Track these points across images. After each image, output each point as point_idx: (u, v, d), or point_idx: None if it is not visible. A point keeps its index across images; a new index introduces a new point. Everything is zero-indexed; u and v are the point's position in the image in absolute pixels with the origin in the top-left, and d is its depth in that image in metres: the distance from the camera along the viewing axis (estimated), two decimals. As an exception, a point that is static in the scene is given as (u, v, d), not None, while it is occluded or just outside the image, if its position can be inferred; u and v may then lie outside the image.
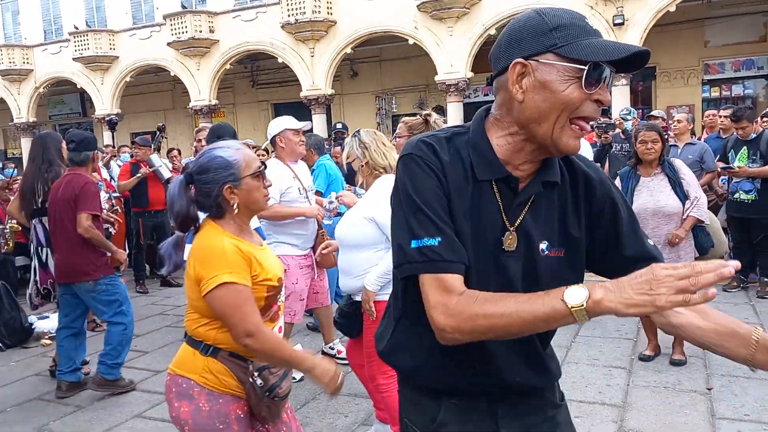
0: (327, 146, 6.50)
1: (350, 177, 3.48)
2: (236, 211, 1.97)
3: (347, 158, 3.35)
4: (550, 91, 1.18)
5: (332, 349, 4.79)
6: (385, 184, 3.07)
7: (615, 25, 15.07)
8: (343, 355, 4.30)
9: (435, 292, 1.19)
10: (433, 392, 1.40)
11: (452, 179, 1.26)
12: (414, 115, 3.96)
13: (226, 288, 1.85)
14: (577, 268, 1.35)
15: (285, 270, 4.05)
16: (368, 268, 3.03)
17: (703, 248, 4.31)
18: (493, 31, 16.49)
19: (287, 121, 4.33)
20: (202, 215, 2.03)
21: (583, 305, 1.04)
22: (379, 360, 3.21)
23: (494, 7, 16.31)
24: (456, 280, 1.20)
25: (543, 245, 1.30)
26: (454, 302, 1.17)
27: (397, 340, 1.43)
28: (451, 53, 16.96)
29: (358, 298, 3.16)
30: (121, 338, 4.31)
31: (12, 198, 7.25)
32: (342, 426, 3.65)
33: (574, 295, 1.05)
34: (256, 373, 1.95)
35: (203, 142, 5.24)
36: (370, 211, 3.02)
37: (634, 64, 1.18)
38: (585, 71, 1.15)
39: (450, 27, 16.88)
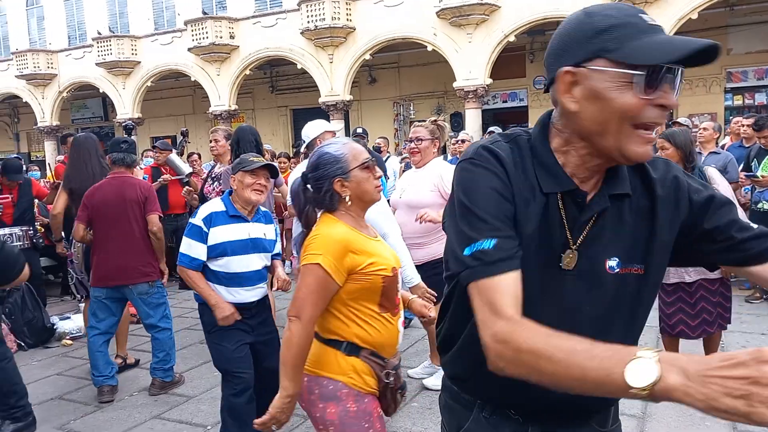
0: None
1: None
2: (349, 203, 2.05)
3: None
4: (604, 100, 1.07)
5: None
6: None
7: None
8: None
9: (483, 309, 1.06)
10: (468, 401, 1.36)
11: (517, 188, 1.15)
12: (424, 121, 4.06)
13: (315, 268, 1.92)
14: (657, 285, 1.25)
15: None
16: None
17: None
18: (512, 38, 16.46)
19: (324, 124, 4.44)
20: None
21: (647, 390, 0.81)
22: None
23: (514, 13, 16.27)
24: (509, 297, 1.05)
25: (612, 262, 1.18)
26: (501, 326, 1.02)
27: (451, 342, 1.36)
28: (470, 60, 16.95)
29: None
30: (170, 343, 4.47)
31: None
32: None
33: (641, 373, 0.82)
34: (392, 371, 2.03)
35: (220, 143, 5.27)
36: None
37: (702, 59, 1.03)
38: (641, 76, 1.04)
39: (469, 34, 16.87)
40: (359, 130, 9.37)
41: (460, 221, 1.13)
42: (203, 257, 3.13)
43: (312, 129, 4.40)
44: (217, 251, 3.13)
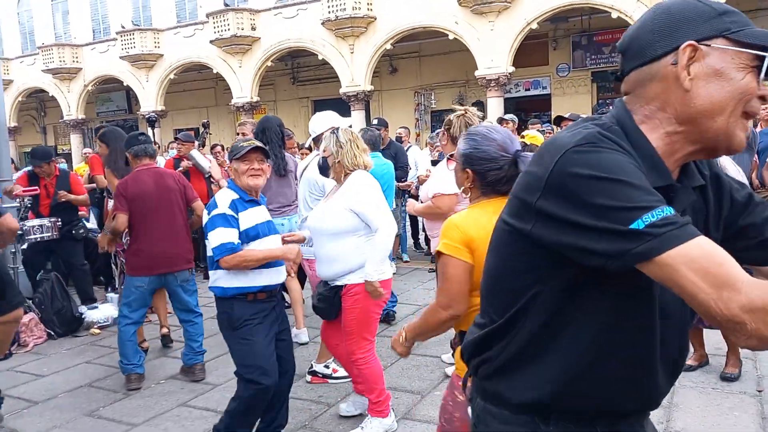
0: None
1: (324, 170, 3.55)
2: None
3: (323, 152, 3.48)
4: (726, 79, 1.05)
5: (327, 368, 4.38)
6: (359, 177, 3.38)
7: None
8: (339, 374, 4.23)
9: (704, 281, 0.92)
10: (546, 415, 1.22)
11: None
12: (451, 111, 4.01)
13: (443, 258, 2.01)
14: None
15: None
16: (360, 253, 3.32)
17: None
18: (534, 26, 16.27)
19: (332, 118, 4.39)
20: None
21: None
22: (358, 336, 3.29)
23: (536, 0, 16.07)
24: (728, 258, 0.94)
25: None
26: (747, 291, 0.90)
27: (515, 364, 1.20)
28: (492, 48, 16.79)
29: (337, 283, 3.39)
30: (202, 329, 4.62)
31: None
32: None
33: None
34: None
35: (248, 136, 5.31)
36: (349, 203, 3.29)
37: None
38: (765, 59, 1.03)
39: (491, 21, 16.71)
40: (374, 122, 9.28)
41: (605, 197, 0.98)
42: (237, 242, 3.03)
43: (320, 123, 4.35)
44: (252, 235, 3.10)
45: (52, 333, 5.67)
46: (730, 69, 1.05)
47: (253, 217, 3.12)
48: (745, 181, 3.98)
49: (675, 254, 0.93)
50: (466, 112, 3.96)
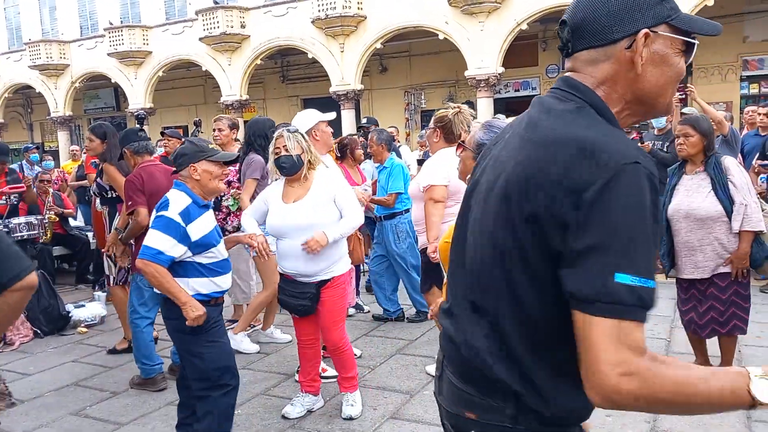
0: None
1: (291, 169, 3.51)
2: None
3: (293, 150, 3.43)
4: (668, 64, 1.16)
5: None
6: (325, 173, 3.56)
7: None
8: (328, 373, 4.24)
9: (617, 346, 0.99)
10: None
11: None
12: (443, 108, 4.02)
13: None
14: None
15: None
16: (341, 243, 3.57)
17: (756, 261, 3.70)
18: (524, 26, 16.32)
19: (318, 114, 4.37)
20: None
21: None
22: (342, 323, 3.47)
23: (526, 1, 16.13)
24: (643, 333, 1.02)
25: None
26: (641, 363, 0.99)
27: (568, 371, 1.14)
28: (482, 48, 16.84)
29: (324, 277, 3.50)
30: None
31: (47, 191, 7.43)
32: (371, 418, 3.67)
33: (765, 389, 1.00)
34: None
35: (224, 132, 5.28)
36: (332, 194, 3.45)
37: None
38: (694, 45, 1.17)
39: (481, 22, 16.76)
40: (364, 120, 9.27)
41: (637, 243, 1.01)
42: (174, 254, 2.90)
43: (305, 120, 4.31)
44: (205, 244, 2.98)
45: (39, 331, 5.62)
46: (671, 54, 1.16)
47: (204, 224, 3.00)
48: (749, 184, 3.81)
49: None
50: (460, 110, 4.03)
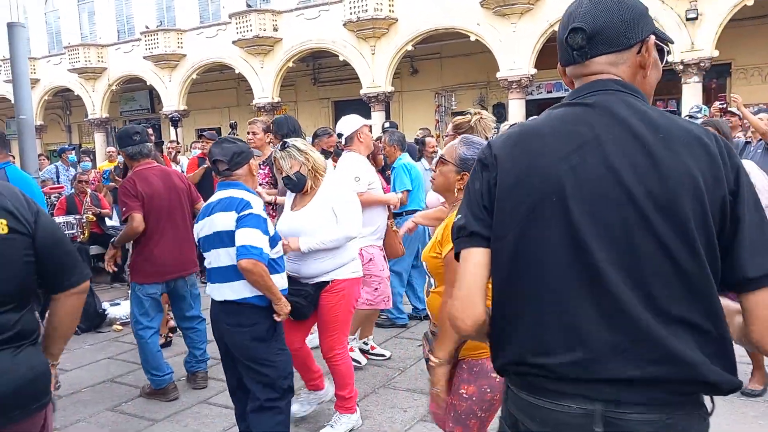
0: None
1: (296, 186, 3.43)
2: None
3: (290, 169, 3.32)
4: (658, 68, 1.35)
5: (366, 344, 4.84)
6: (332, 181, 3.44)
7: (688, 20, 14.49)
8: (377, 351, 4.59)
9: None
10: None
11: None
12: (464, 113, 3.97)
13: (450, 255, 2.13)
14: None
15: (371, 259, 4.26)
16: (348, 246, 3.50)
17: None
18: (558, 28, 16.14)
19: (361, 119, 4.49)
20: None
21: None
22: (339, 332, 3.40)
23: (559, 2, 15.94)
24: None
25: None
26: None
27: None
28: (514, 49, 16.70)
29: (323, 279, 3.43)
30: (206, 335, 4.34)
31: (90, 191, 7.59)
32: (401, 420, 3.66)
33: None
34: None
35: (258, 135, 5.26)
36: (331, 203, 3.36)
37: None
38: (665, 52, 1.36)
39: (513, 23, 16.63)
40: (386, 125, 9.25)
41: None
42: (268, 251, 2.87)
43: (349, 124, 4.41)
44: (275, 239, 2.99)
45: (76, 329, 5.74)
46: (656, 59, 1.34)
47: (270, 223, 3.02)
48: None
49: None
50: (482, 116, 3.95)
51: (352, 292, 3.50)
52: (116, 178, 5.42)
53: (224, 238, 2.85)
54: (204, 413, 3.92)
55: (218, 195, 2.95)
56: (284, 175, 3.34)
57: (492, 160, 1.33)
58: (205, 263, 3.02)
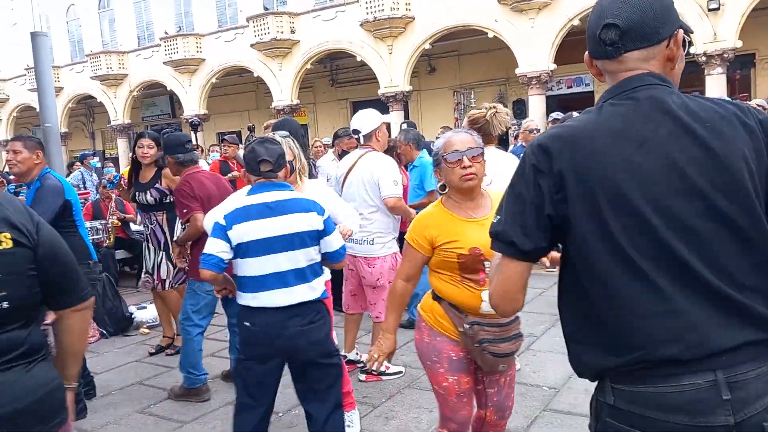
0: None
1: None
2: (449, 188, 2.44)
3: (288, 156, 3.25)
4: (683, 60, 1.39)
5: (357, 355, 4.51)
6: (316, 184, 3.55)
7: (710, 10, 14.26)
8: (392, 369, 4.33)
9: None
10: None
11: None
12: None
13: (406, 242, 2.50)
14: None
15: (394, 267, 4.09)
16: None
17: None
18: (576, 22, 15.99)
19: (380, 116, 4.33)
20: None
21: None
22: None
23: (577, -4, 15.81)
24: None
25: None
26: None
27: None
28: (533, 45, 16.59)
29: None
30: None
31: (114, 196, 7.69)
32: (426, 420, 3.65)
33: None
34: (467, 325, 2.34)
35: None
36: (330, 202, 3.31)
37: None
38: (688, 43, 1.39)
39: (531, 19, 16.51)
40: (404, 126, 9.19)
41: None
42: None
43: (368, 121, 4.22)
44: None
45: (104, 332, 5.83)
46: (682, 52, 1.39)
47: None
48: None
49: None
50: (497, 110, 3.90)
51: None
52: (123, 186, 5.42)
53: (305, 239, 2.78)
54: (231, 415, 3.94)
55: (277, 195, 2.79)
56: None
57: (549, 165, 1.31)
58: (261, 268, 2.74)
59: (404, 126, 9.11)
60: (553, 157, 1.31)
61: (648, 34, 1.33)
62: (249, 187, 2.90)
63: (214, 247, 2.72)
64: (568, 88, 18.93)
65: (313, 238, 2.81)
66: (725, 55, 14.45)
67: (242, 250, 2.72)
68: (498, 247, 1.38)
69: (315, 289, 2.84)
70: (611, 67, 1.39)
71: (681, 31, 1.35)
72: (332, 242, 2.86)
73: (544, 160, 1.32)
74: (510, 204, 1.37)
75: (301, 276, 2.78)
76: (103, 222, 6.69)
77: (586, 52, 1.46)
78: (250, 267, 2.74)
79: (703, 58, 14.54)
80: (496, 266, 1.42)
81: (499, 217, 1.38)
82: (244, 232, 2.70)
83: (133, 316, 6.10)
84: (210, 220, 2.93)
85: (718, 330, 1.27)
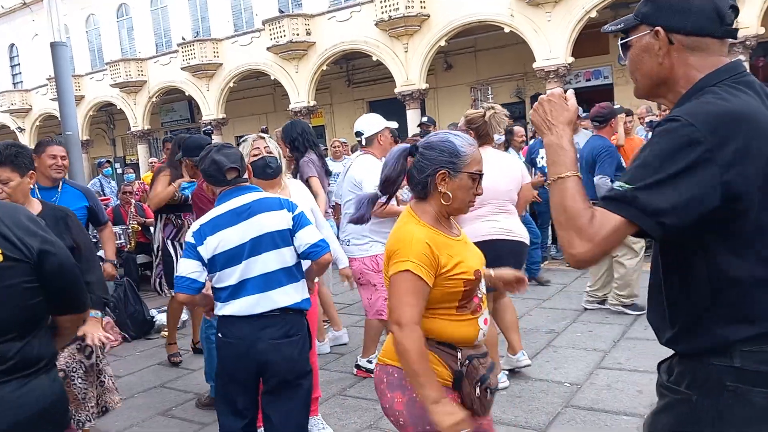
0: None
1: (277, 173, 3.36)
2: (442, 200, 1.94)
3: (275, 153, 3.28)
4: None
5: (371, 363, 4.30)
6: (296, 184, 3.66)
7: (730, -3, 13.98)
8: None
9: None
10: None
11: None
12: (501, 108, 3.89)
13: (405, 275, 1.84)
14: None
15: None
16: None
17: None
18: (594, 14, 15.80)
19: (384, 120, 4.33)
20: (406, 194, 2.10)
21: None
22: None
23: (594, -12, 15.62)
24: None
25: None
26: None
27: None
28: (550, 39, 16.43)
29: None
30: None
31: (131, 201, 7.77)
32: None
33: None
34: (466, 362, 1.90)
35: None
36: (309, 205, 3.43)
37: None
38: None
39: (548, 12, 16.35)
40: (424, 119, 9.12)
41: None
42: None
43: (372, 124, 4.25)
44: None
45: (127, 336, 5.89)
46: None
47: None
48: None
49: None
50: (495, 110, 3.84)
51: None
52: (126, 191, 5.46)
53: (276, 240, 2.66)
54: (252, 416, 3.95)
55: (243, 199, 2.70)
56: (269, 155, 3.22)
57: (721, 154, 1.29)
58: (234, 276, 2.62)
59: (425, 120, 9.03)
60: (720, 140, 1.29)
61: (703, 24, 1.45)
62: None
63: (185, 268, 2.59)
64: (587, 81, 18.71)
65: (285, 238, 2.68)
66: (748, 42, 14.16)
67: (216, 262, 2.61)
68: (631, 214, 1.32)
69: (289, 294, 2.66)
70: (711, 47, 1.44)
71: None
72: (305, 237, 2.69)
73: (715, 144, 1.29)
74: (658, 175, 1.31)
75: (274, 280, 2.64)
76: (123, 227, 6.76)
77: (659, 27, 1.44)
78: (225, 276, 2.62)
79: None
80: (605, 220, 1.35)
81: (646, 181, 1.32)
82: (215, 244, 2.60)
83: (154, 320, 6.15)
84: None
85: None
